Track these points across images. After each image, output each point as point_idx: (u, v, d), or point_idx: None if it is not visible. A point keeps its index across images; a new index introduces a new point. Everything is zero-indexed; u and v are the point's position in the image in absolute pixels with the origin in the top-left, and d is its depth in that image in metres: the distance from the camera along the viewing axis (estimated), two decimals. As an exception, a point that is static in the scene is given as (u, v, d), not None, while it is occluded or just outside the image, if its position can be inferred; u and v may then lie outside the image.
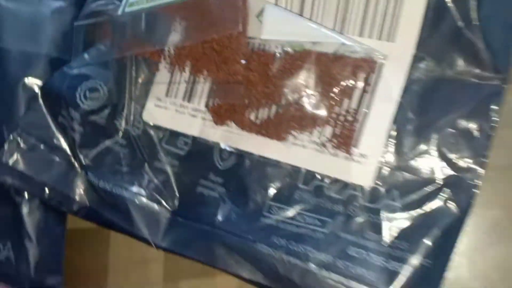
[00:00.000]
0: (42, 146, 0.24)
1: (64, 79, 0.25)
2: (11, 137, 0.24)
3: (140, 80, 0.25)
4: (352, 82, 0.22)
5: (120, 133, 0.25)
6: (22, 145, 0.24)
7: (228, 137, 0.24)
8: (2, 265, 0.25)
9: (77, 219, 0.27)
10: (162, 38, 0.24)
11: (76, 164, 0.25)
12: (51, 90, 0.24)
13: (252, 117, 0.24)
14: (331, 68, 0.22)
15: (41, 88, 0.25)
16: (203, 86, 0.25)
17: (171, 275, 0.27)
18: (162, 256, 0.27)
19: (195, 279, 0.26)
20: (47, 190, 0.24)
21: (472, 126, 0.20)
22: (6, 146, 0.24)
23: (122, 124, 0.25)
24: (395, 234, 0.21)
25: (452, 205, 0.21)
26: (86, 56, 0.25)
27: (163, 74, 0.25)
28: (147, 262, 0.27)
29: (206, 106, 0.24)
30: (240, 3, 0.23)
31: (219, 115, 0.24)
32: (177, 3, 0.23)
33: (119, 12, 0.23)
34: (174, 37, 0.24)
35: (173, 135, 0.25)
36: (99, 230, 0.27)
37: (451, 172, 0.21)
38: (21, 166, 0.24)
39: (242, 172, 0.24)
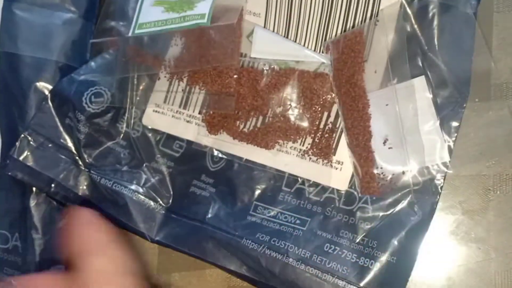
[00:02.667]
0: (50, 145, 0.27)
1: (72, 84, 0.27)
2: (22, 135, 0.26)
3: (141, 87, 0.27)
4: (330, 97, 0.25)
5: (121, 135, 0.27)
6: (32, 143, 0.26)
7: (220, 143, 0.27)
8: (10, 254, 0.27)
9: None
10: (163, 51, 0.26)
11: (80, 162, 0.27)
12: (60, 94, 0.27)
13: (242, 126, 0.26)
14: (312, 84, 0.25)
15: (51, 92, 0.27)
16: (198, 96, 0.27)
17: (164, 268, 0.29)
18: (156, 250, 0.29)
19: (186, 272, 0.28)
20: (53, 185, 0.27)
21: (437, 139, 0.23)
22: (17, 144, 0.26)
23: (123, 127, 0.27)
24: (366, 234, 0.24)
25: (417, 209, 0.23)
26: (92, 64, 0.27)
27: (162, 83, 0.27)
28: (142, 255, 0.29)
29: (200, 113, 0.27)
30: (238, 37, 0.25)
31: (213, 125, 0.26)
32: (182, 29, 0.25)
33: (130, 33, 0.26)
34: (175, 51, 0.26)
35: (169, 139, 0.27)
36: (98, 224, 0.29)
37: (417, 180, 0.23)
38: (30, 162, 0.26)
39: (231, 175, 0.26)
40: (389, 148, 0.22)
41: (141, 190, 0.27)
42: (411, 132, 0.22)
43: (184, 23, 0.25)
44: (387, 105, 0.22)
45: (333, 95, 0.24)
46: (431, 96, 0.22)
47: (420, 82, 0.22)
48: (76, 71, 0.27)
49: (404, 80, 0.22)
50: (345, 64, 0.23)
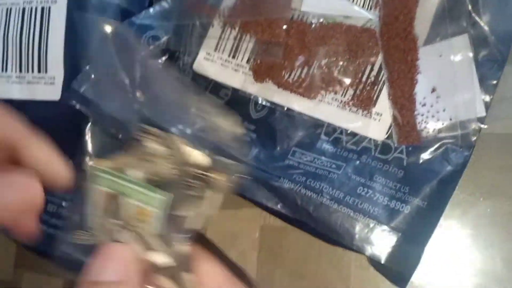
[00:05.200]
0: (108, 81, 0.29)
1: (131, 27, 0.29)
2: (84, 70, 0.28)
3: (194, 34, 0.29)
4: (375, 51, 0.26)
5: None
6: (92, 77, 0.29)
7: (264, 92, 0.28)
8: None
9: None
10: (219, 0, 0.28)
11: (134, 100, 0.29)
12: (120, 35, 0.29)
13: (287, 76, 0.28)
14: (359, 39, 0.26)
15: (112, 32, 0.29)
16: (248, 45, 0.29)
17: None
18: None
19: (220, 210, 0.30)
20: (108, 118, 0.29)
21: (475, 95, 0.24)
22: (79, 77, 0.28)
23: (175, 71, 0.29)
24: (399, 180, 0.25)
25: (450, 160, 0.25)
26: (151, 10, 0.29)
27: (215, 30, 0.29)
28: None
29: (248, 62, 0.29)
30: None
31: (259, 73, 0.28)
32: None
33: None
34: (229, 0, 0.28)
35: (217, 86, 0.29)
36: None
37: (453, 133, 0.25)
38: (90, 94, 0.28)
39: (272, 122, 0.28)
40: (437, 97, 0.24)
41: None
42: (458, 85, 0.23)
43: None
44: (440, 56, 0.23)
45: (378, 49, 0.26)
46: (472, 54, 0.24)
47: (463, 40, 0.23)
48: (136, 16, 0.29)
49: (446, 38, 0.24)
50: (397, 18, 0.24)
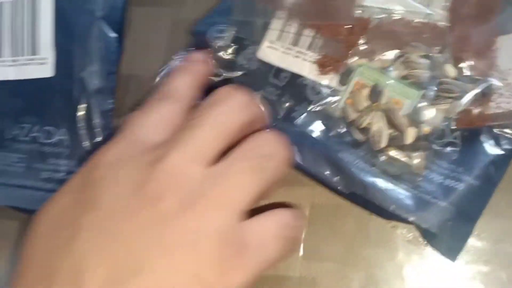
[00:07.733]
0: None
1: (205, 24, 0.32)
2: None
3: (259, 26, 0.32)
4: (437, 43, 0.28)
5: (240, 67, 0.32)
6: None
7: (321, 77, 0.31)
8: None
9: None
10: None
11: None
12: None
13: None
14: (419, 32, 0.29)
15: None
16: (309, 38, 0.31)
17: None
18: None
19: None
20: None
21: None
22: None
23: (241, 60, 0.32)
24: (453, 161, 0.27)
25: (502, 146, 0.27)
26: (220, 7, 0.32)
27: (278, 22, 0.31)
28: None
29: (309, 49, 0.31)
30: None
31: (324, 67, 0.30)
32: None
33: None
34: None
35: (278, 70, 0.31)
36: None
37: (507, 121, 0.27)
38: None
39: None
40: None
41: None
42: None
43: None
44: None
45: (439, 41, 0.28)
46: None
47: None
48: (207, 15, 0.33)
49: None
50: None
